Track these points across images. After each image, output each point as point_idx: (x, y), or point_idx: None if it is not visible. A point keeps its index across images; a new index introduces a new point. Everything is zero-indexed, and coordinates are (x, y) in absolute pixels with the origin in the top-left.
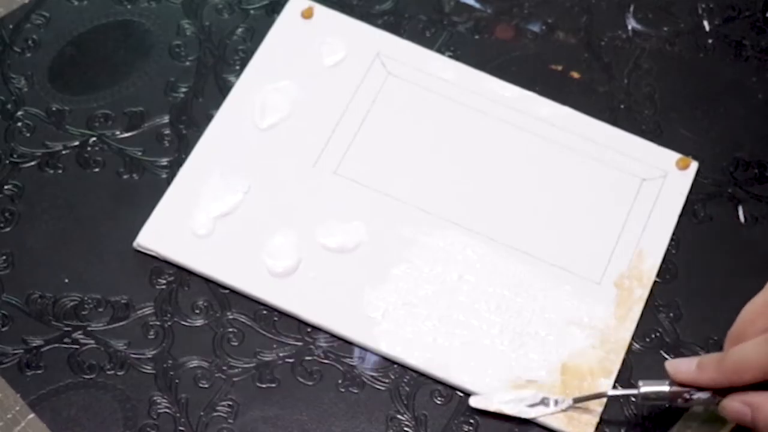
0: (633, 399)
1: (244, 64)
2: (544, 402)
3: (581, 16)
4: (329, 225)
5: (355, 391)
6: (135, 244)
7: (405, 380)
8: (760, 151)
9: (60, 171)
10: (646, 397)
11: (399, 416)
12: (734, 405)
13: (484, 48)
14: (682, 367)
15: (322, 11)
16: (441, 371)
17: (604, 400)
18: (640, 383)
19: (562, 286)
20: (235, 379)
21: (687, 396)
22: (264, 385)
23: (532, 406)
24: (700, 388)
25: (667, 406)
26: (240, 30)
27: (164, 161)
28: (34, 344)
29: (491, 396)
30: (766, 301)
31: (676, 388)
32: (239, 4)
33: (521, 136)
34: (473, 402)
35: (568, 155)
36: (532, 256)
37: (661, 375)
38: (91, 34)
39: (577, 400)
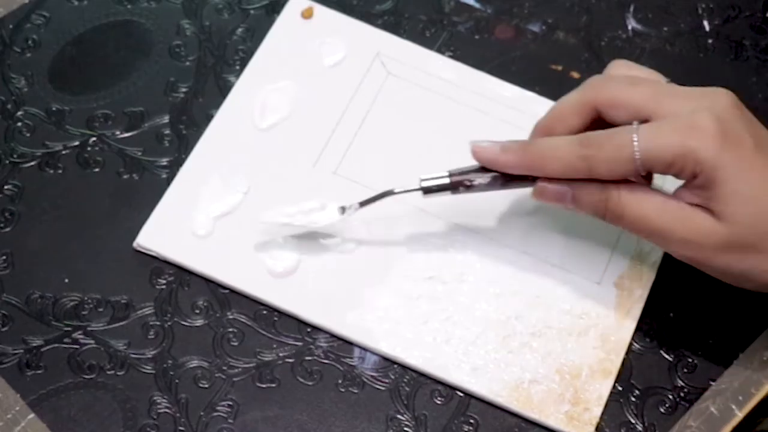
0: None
1: (244, 64)
2: (324, 208)
3: (581, 16)
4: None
5: (355, 391)
6: (135, 244)
7: (405, 380)
8: None
9: (60, 171)
10: (428, 190)
11: (399, 416)
12: (553, 186)
13: (484, 48)
14: (486, 147)
15: (322, 11)
16: (441, 371)
17: (605, 400)
18: (421, 177)
19: (562, 286)
20: (235, 379)
21: (468, 183)
22: (264, 385)
23: (310, 213)
24: (482, 174)
25: (450, 194)
26: (240, 30)
27: (164, 161)
28: (34, 344)
29: (276, 209)
30: (580, 99)
31: (456, 178)
32: (239, 4)
33: (521, 136)
34: (261, 219)
35: None
36: (532, 256)
37: (662, 377)
38: (91, 34)
39: (362, 204)
